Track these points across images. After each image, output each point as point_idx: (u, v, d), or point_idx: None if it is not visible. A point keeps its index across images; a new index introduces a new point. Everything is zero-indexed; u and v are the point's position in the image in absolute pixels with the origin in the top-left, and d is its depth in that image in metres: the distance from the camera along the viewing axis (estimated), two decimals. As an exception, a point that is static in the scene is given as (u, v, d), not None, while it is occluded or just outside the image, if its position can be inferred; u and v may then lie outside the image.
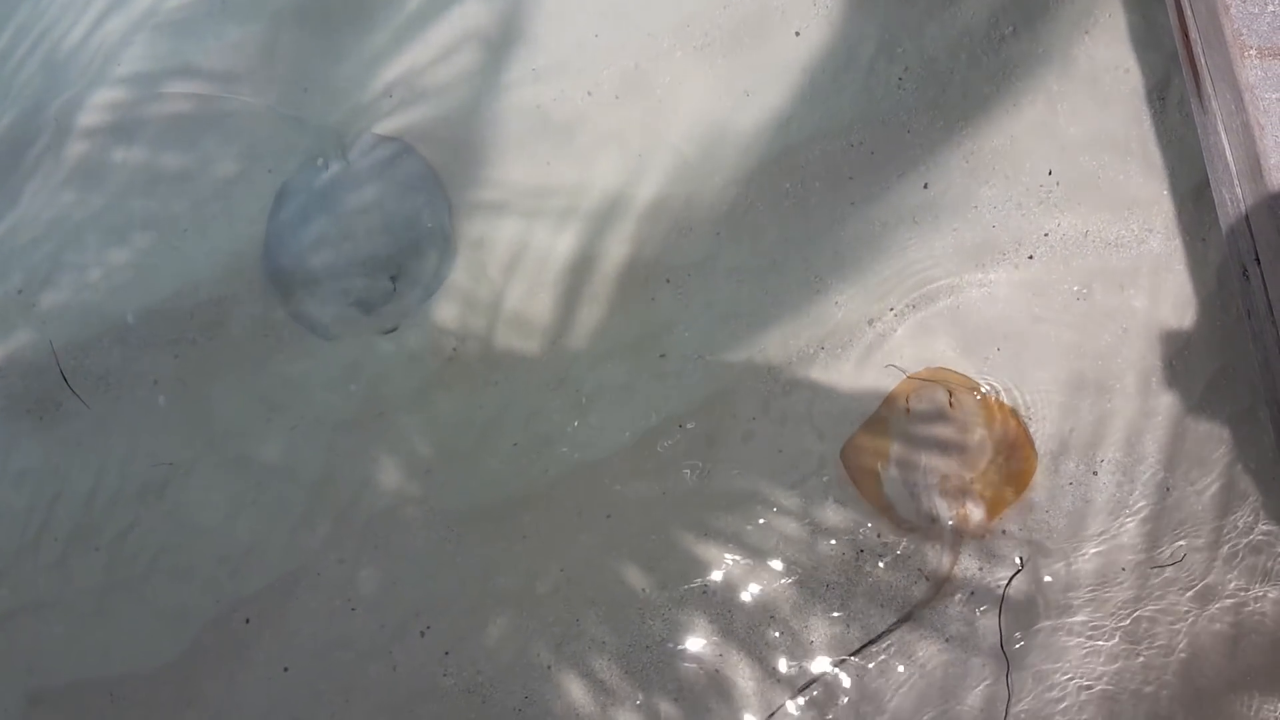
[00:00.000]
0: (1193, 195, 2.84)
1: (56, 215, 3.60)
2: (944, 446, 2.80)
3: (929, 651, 2.75)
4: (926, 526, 2.80)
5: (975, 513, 2.76)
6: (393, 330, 3.24)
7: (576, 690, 2.90)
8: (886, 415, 2.87)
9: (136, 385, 3.36)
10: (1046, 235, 2.89)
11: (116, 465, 3.31)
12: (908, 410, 2.84)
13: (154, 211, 3.51)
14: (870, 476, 2.85)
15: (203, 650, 3.12)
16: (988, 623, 2.73)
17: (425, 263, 3.24)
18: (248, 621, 3.11)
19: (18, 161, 3.69)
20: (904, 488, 2.82)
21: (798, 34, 3.18)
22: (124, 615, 3.20)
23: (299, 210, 3.33)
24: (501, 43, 3.38)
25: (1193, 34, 2.58)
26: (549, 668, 2.92)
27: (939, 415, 2.82)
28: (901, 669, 2.75)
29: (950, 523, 2.77)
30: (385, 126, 3.41)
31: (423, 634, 3.01)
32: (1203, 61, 2.56)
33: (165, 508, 3.24)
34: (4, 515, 3.36)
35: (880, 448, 2.85)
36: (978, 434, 2.79)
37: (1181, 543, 2.69)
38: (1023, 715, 2.67)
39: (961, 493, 2.77)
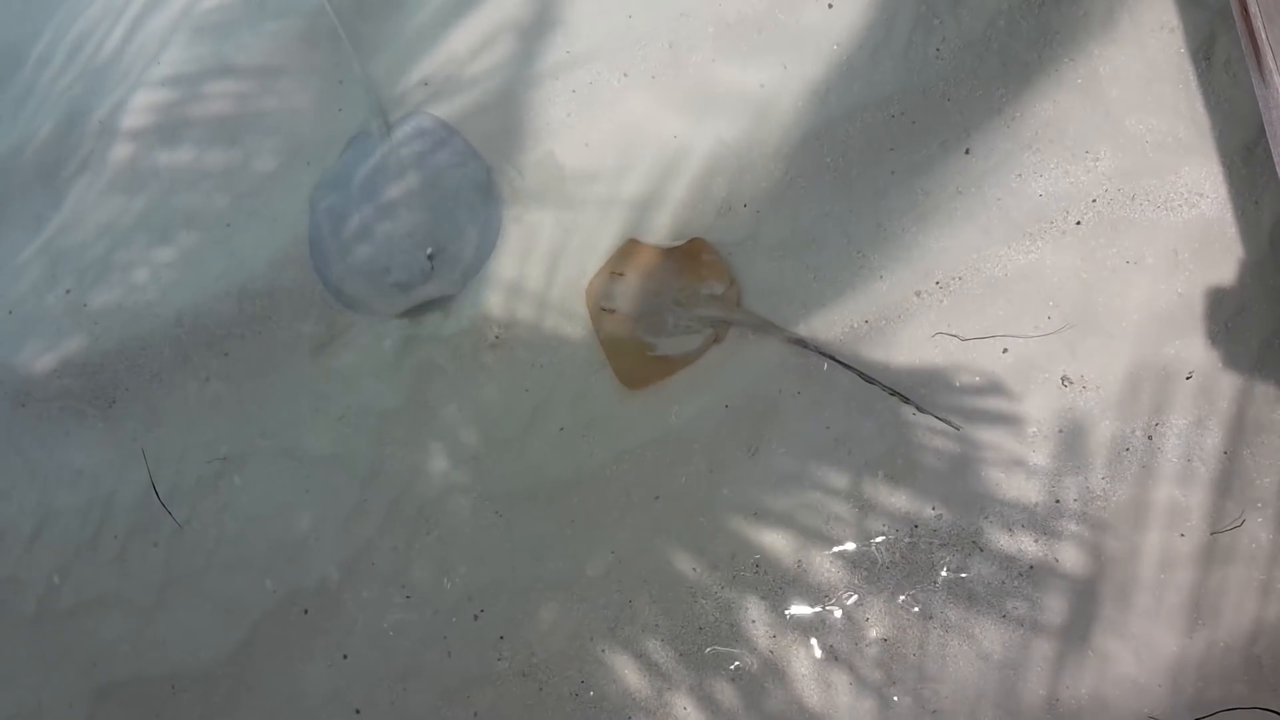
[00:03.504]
0: (1243, 155, 2.78)
1: (103, 217, 3.66)
2: (655, 293, 3.02)
3: (985, 626, 2.72)
4: (713, 332, 3.01)
5: (718, 287, 3.01)
6: (430, 308, 3.26)
7: (631, 673, 2.91)
8: (607, 329, 3.06)
9: (188, 381, 3.42)
10: (1094, 201, 2.85)
11: (171, 461, 3.36)
12: (611, 310, 3.03)
13: (199, 209, 3.56)
14: (655, 364, 3.03)
15: (262, 641, 3.17)
16: (1052, 602, 2.70)
17: (465, 241, 3.25)
18: (305, 612, 3.15)
19: (63, 166, 3.76)
20: (677, 335, 3.00)
21: (830, 6, 3.15)
22: (183, 608, 3.26)
23: (342, 190, 3.35)
24: (535, 29, 3.38)
25: (1252, 8, 2.53)
26: (603, 650, 2.93)
27: (625, 288, 3.04)
28: (960, 648, 2.73)
29: (720, 311, 2.99)
30: (422, 116, 3.43)
31: (476, 618, 3.03)
32: (1263, 36, 2.50)
33: (220, 501, 3.29)
34: (63, 514, 3.43)
35: (634, 348, 3.03)
36: (651, 264, 3.04)
37: (1241, 507, 2.64)
38: (1085, 695, 2.64)
39: (700, 292, 3.00)
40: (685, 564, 2.94)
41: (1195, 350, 2.73)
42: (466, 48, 3.44)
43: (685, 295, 2.99)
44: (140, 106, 3.71)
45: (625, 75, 3.26)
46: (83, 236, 3.65)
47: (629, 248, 3.11)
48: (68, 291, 3.61)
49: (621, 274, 3.06)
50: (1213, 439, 2.69)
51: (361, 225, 3.29)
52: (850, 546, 2.84)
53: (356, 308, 3.30)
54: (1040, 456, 2.78)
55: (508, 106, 3.35)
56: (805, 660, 2.82)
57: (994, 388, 2.83)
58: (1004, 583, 2.75)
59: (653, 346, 3.01)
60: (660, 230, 3.14)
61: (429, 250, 3.20)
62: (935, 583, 2.78)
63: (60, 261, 3.65)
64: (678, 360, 3.03)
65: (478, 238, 3.25)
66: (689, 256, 3.06)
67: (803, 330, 2.97)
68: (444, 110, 3.40)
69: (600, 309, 3.05)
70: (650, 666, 2.90)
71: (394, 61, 3.51)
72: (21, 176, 3.81)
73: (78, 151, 3.75)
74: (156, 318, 3.49)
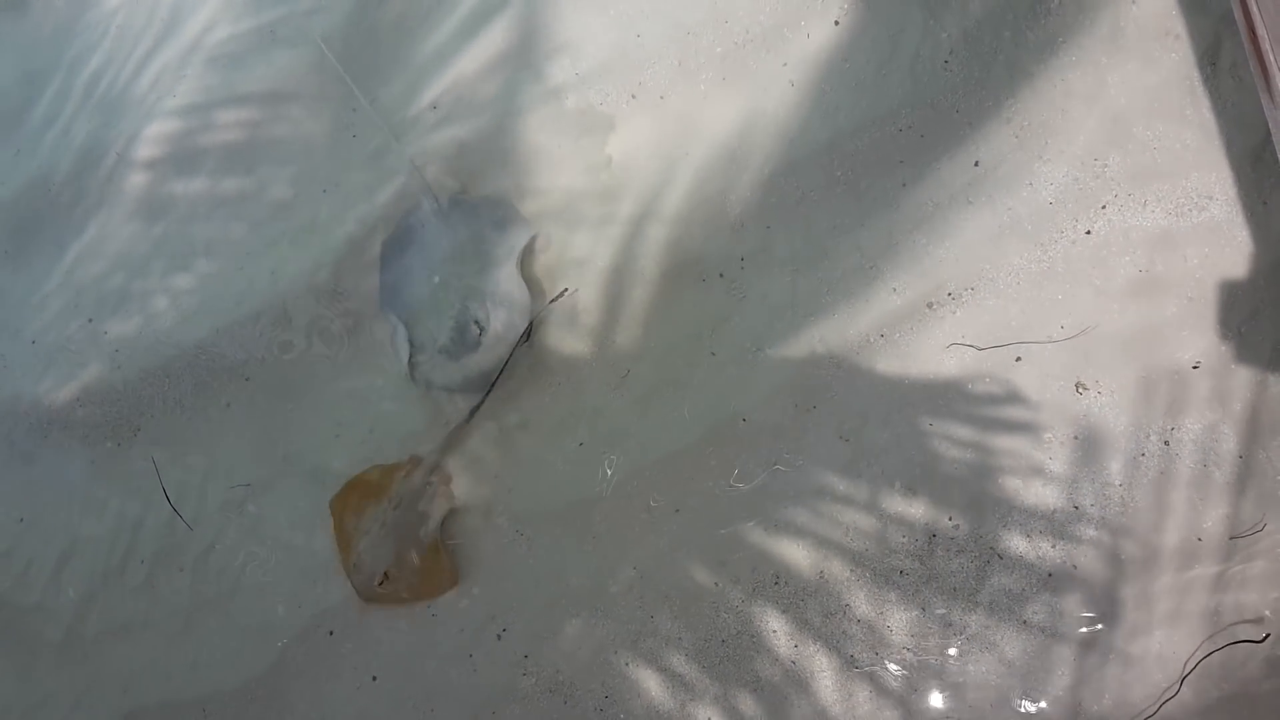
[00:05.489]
0: (1250, 159, 2.79)
1: (122, 246, 3.71)
2: (383, 528, 3.10)
3: (1006, 633, 2.73)
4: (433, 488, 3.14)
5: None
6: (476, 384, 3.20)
7: (655, 686, 2.92)
8: (409, 588, 3.10)
9: (210, 407, 3.45)
10: (1104, 208, 2.86)
11: (195, 487, 3.40)
12: (383, 581, 3.07)
13: (216, 237, 3.60)
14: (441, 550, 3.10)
15: (290, 663, 3.20)
16: (1073, 608, 2.71)
17: (515, 312, 3.17)
18: (331, 633, 3.18)
19: (83, 197, 3.81)
20: (432, 516, 3.11)
21: (837, 23, 3.18)
22: (211, 632, 3.29)
23: (401, 266, 3.34)
24: (544, 51, 3.42)
25: (1260, 31, 2.57)
26: (627, 665, 2.95)
27: (367, 560, 3.10)
28: (981, 656, 2.75)
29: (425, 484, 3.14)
30: (432, 139, 3.46)
31: (500, 636, 3.06)
32: (1271, 58, 2.55)
33: (245, 525, 3.32)
34: (90, 541, 3.47)
35: (433, 563, 3.09)
36: (358, 522, 3.15)
37: (1260, 510, 2.65)
38: (1107, 700, 2.65)
39: (394, 494, 3.14)
40: (706, 577, 2.96)
41: (1209, 355, 2.74)
42: (475, 71, 3.48)
43: (394, 500, 3.10)
44: (156, 137, 3.76)
45: (634, 96, 3.30)
46: (103, 266, 3.70)
47: (337, 531, 3.18)
48: (89, 321, 3.66)
49: (356, 562, 3.10)
50: (1228, 443, 2.70)
51: (418, 300, 3.27)
52: (869, 556, 2.86)
53: (420, 384, 3.28)
54: (1056, 463, 2.79)
55: (517, 128, 3.38)
56: (827, 670, 2.83)
57: (1009, 396, 2.85)
58: (1024, 589, 2.76)
59: (433, 533, 3.08)
60: (666, 248, 3.17)
61: (477, 318, 3.16)
62: (955, 590, 2.80)
63: (81, 291, 3.70)
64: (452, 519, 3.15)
65: (522, 311, 3.19)
66: (369, 489, 3.16)
67: (815, 336, 2.99)
68: (452, 133, 3.44)
69: (378, 592, 3.08)
70: (674, 679, 2.92)
71: (403, 86, 3.55)
72: (43, 208, 3.86)
73: (96, 182, 3.80)
74: (177, 345, 3.54)
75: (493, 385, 3.13)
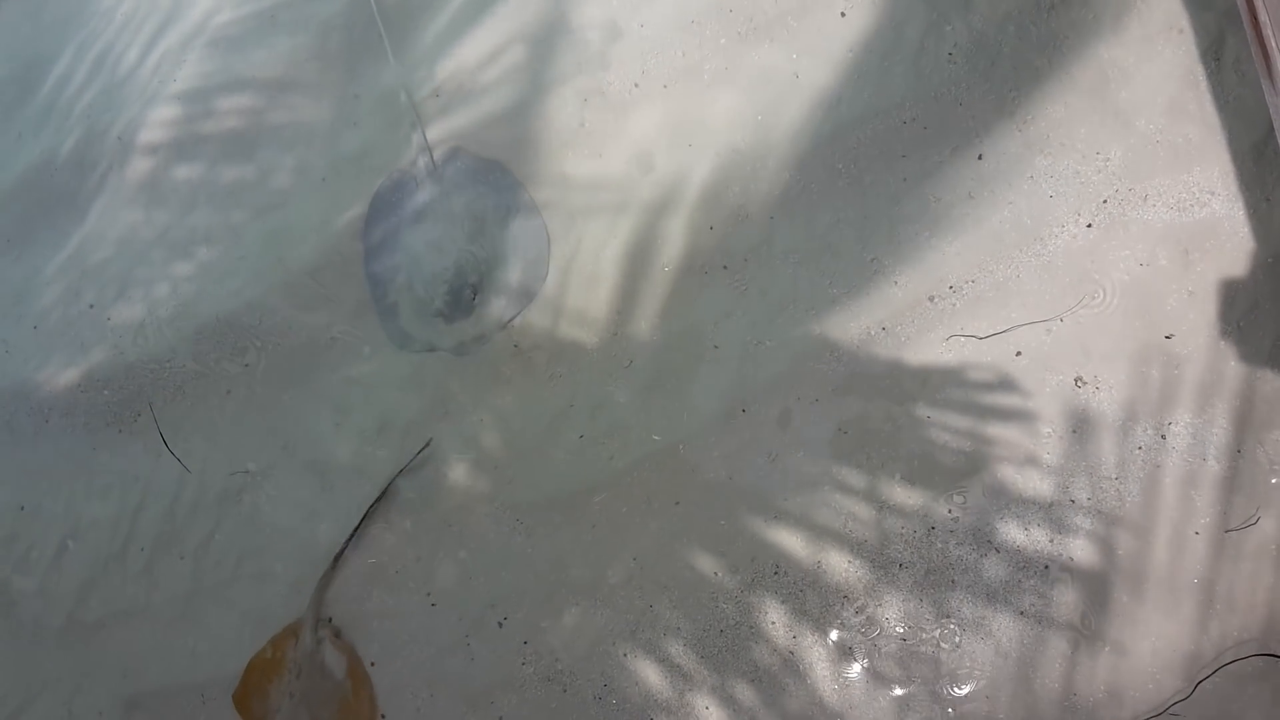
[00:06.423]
0: (1253, 154, 2.79)
1: (123, 233, 3.70)
2: (291, 699, 3.12)
3: (1002, 624, 2.75)
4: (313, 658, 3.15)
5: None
6: (475, 344, 3.24)
7: (653, 676, 2.94)
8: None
9: (210, 394, 3.46)
10: (1105, 202, 2.87)
11: (196, 474, 3.40)
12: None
13: (217, 224, 3.60)
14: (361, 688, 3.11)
15: (289, 649, 3.21)
16: (1068, 599, 2.72)
17: (510, 276, 3.23)
18: (330, 620, 3.19)
19: (84, 181, 3.81)
20: (330, 669, 3.12)
21: (843, 14, 3.17)
22: (210, 619, 3.30)
23: (390, 227, 3.36)
24: (546, 38, 3.41)
25: (1261, 16, 2.56)
26: (625, 655, 2.97)
27: (279, 692, 3.15)
28: (977, 645, 2.76)
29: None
30: (436, 129, 3.45)
31: (500, 625, 3.07)
32: (1273, 44, 2.55)
33: (245, 513, 3.33)
34: (91, 527, 3.48)
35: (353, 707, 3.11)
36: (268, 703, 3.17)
37: (1256, 504, 2.66)
38: (1101, 690, 2.67)
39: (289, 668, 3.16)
40: (706, 568, 2.97)
41: (1208, 349, 2.75)
42: (477, 58, 3.47)
43: (293, 670, 3.13)
44: (158, 122, 3.76)
45: (636, 85, 3.29)
46: (105, 252, 3.70)
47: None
48: (91, 306, 3.66)
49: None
50: (1226, 437, 2.71)
51: (410, 260, 3.30)
52: (868, 547, 2.87)
53: (410, 345, 3.31)
54: (1054, 456, 2.80)
55: (519, 117, 3.38)
56: (824, 660, 2.84)
57: (1008, 389, 2.86)
58: (1020, 580, 2.77)
59: (343, 684, 3.10)
60: (667, 239, 3.17)
61: (473, 283, 3.21)
62: (952, 581, 2.81)
63: (83, 276, 3.70)
64: (357, 665, 3.14)
65: (523, 273, 3.24)
66: (267, 668, 3.19)
67: (816, 328, 3.00)
68: (455, 122, 3.43)
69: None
70: (672, 668, 2.93)
71: (406, 75, 3.53)
72: (45, 193, 3.87)
73: (98, 167, 3.80)
74: (179, 331, 3.54)
75: (355, 531, 3.19)
